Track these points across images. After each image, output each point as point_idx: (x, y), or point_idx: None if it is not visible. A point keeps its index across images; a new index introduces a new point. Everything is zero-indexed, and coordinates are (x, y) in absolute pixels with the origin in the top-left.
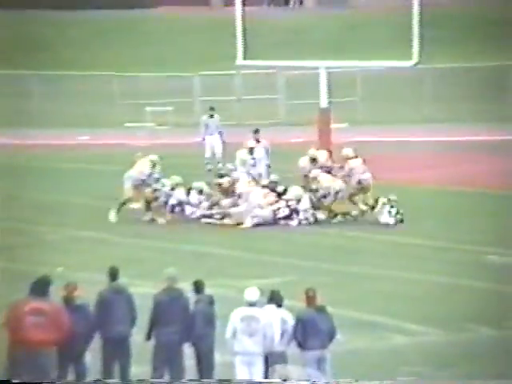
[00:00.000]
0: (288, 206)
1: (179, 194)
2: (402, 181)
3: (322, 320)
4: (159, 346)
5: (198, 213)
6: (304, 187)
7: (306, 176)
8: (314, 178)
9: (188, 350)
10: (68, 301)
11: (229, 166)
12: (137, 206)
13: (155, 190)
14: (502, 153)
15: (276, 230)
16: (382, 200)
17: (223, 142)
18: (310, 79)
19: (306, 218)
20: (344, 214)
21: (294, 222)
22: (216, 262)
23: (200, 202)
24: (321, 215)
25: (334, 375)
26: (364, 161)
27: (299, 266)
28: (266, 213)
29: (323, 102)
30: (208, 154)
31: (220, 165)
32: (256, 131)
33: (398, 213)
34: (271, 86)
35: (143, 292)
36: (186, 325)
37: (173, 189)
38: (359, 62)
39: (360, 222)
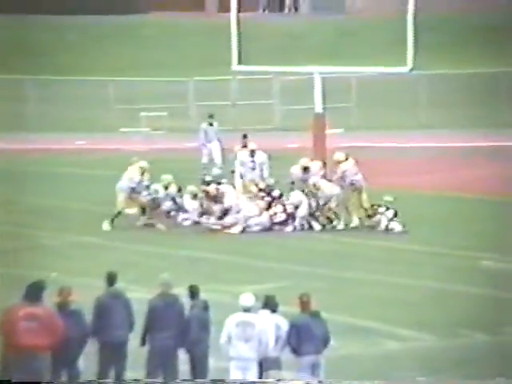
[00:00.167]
0: (285, 211)
1: (172, 191)
2: (398, 186)
3: (316, 325)
4: (154, 351)
5: (192, 218)
6: (303, 191)
7: (304, 182)
8: (314, 185)
9: (182, 355)
10: (62, 306)
11: (218, 171)
12: (132, 211)
13: (153, 199)
14: (498, 159)
15: (271, 236)
16: (380, 209)
17: (222, 150)
18: (305, 85)
19: (302, 225)
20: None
21: (288, 228)
22: (211, 267)
23: (194, 208)
24: (316, 225)
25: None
26: (356, 162)
27: (294, 272)
28: (263, 219)
29: (318, 108)
30: (205, 160)
31: (218, 170)
32: (244, 136)
33: (396, 215)
34: (266, 92)
35: (138, 297)
36: (180, 330)
37: (166, 188)
38: (354, 68)
39: (354, 228)
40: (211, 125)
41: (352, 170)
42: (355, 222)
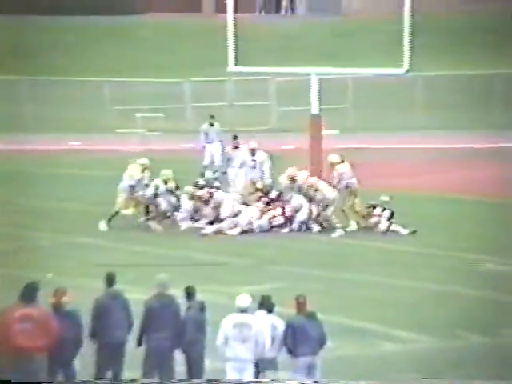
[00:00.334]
0: (283, 214)
1: (171, 186)
2: (395, 188)
3: (312, 327)
4: (150, 352)
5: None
6: (305, 194)
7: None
8: (312, 185)
9: (179, 356)
10: (57, 307)
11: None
12: (129, 212)
13: (153, 195)
14: (497, 160)
15: (267, 237)
16: (377, 210)
17: (223, 150)
18: (301, 86)
19: (300, 227)
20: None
21: (285, 230)
22: (207, 268)
23: (187, 209)
24: (315, 226)
25: None
26: (351, 165)
27: (290, 273)
28: (262, 222)
29: (314, 109)
30: (206, 162)
31: (211, 174)
32: (235, 137)
33: (392, 215)
34: (263, 93)
35: (135, 298)
36: (176, 331)
37: (166, 183)
38: (351, 69)
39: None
40: (212, 125)
41: (348, 173)
42: (353, 226)
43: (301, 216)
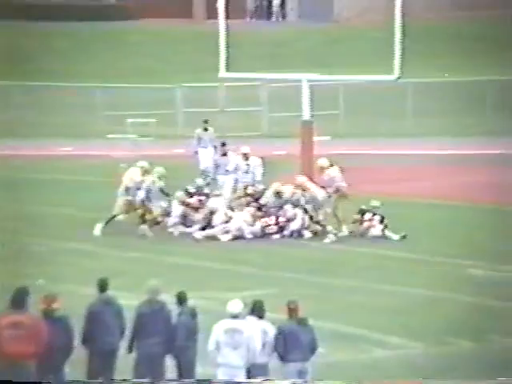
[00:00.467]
0: (277, 224)
1: (162, 184)
2: (385, 194)
3: (303, 333)
4: (141, 358)
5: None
6: (294, 203)
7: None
8: (301, 185)
9: (170, 362)
10: (47, 313)
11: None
12: (121, 217)
13: (146, 198)
14: (485, 166)
15: (259, 243)
16: (367, 215)
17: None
18: (292, 92)
19: (291, 234)
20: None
21: (277, 236)
22: (199, 274)
23: (176, 215)
24: (306, 233)
25: None
26: (341, 169)
27: (281, 279)
28: (255, 229)
29: (306, 115)
30: (203, 167)
31: (209, 179)
32: (223, 144)
33: (383, 220)
34: (254, 99)
35: (126, 304)
36: (167, 337)
37: (160, 178)
38: (342, 76)
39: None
40: (206, 130)
41: (338, 177)
42: (345, 231)
43: (294, 225)
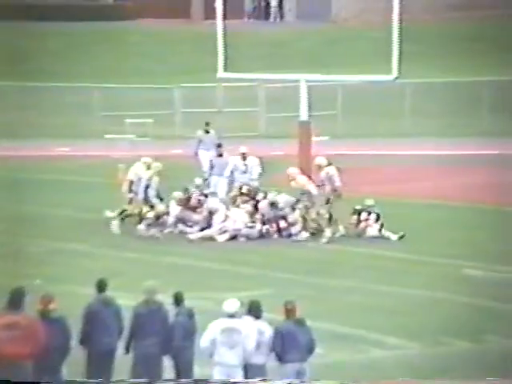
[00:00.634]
0: (278, 231)
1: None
2: (383, 194)
3: (300, 333)
4: (138, 358)
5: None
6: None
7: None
8: (289, 175)
9: (167, 363)
10: (44, 313)
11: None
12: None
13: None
14: (483, 167)
15: (256, 243)
16: (363, 215)
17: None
18: (290, 92)
19: (288, 235)
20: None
21: (274, 236)
22: (196, 274)
23: (173, 215)
24: (303, 233)
25: None
26: (338, 168)
27: (278, 279)
28: (254, 232)
29: (304, 116)
30: (205, 168)
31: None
32: (219, 145)
33: (378, 218)
34: (252, 99)
35: (124, 304)
36: (165, 337)
37: (157, 174)
38: (340, 76)
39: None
40: (207, 132)
41: (335, 176)
42: (341, 230)
43: (295, 230)
